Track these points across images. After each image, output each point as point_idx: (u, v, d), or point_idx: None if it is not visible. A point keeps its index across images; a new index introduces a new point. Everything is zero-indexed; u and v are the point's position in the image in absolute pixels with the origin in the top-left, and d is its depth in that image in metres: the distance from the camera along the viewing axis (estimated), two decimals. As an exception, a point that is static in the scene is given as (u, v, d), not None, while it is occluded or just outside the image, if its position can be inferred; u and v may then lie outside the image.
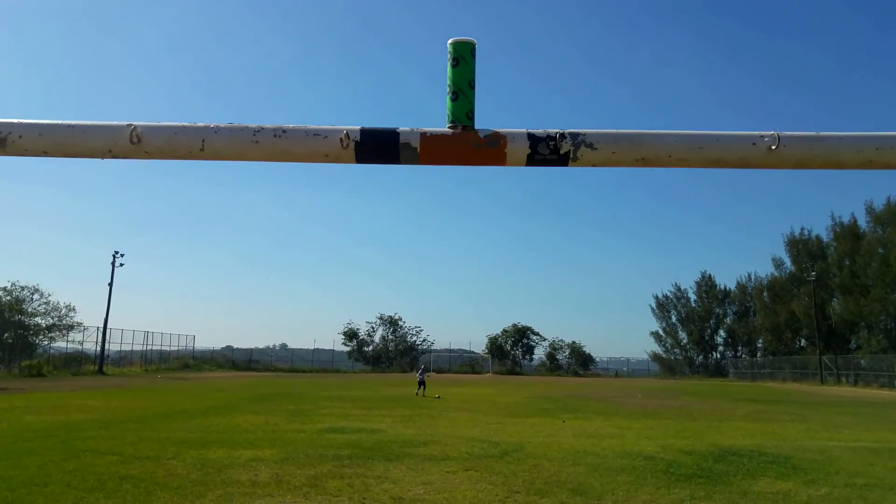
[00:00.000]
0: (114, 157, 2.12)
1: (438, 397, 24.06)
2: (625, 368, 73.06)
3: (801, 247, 62.39)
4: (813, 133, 2.00)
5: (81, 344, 45.87)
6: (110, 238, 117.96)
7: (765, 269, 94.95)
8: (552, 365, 67.18)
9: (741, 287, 71.13)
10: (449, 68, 2.06)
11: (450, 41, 2.09)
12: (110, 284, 46.58)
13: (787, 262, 64.38)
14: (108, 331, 46.26)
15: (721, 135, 2.01)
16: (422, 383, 26.30)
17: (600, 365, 70.33)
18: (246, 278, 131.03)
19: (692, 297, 73.63)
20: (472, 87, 2.06)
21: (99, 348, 45.73)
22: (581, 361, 67.72)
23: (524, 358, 68.16)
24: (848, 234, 57.01)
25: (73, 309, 46.11)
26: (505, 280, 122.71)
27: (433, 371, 61.07)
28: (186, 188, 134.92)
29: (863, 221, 56.68)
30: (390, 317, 67.81)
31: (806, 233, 62.94)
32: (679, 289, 74.25)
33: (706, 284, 73.03)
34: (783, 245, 65.21)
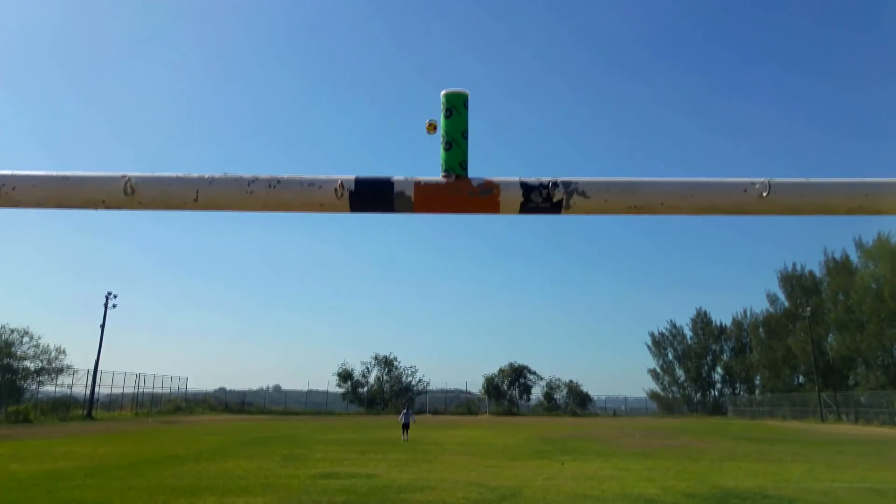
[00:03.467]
0: (107, 207, 2.12)
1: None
2: (622, 407, 72.29)
3: (795, 282, 62.58)
4: (803, 179, 2.02)
5: (70, 388, 45.00)
6: (101, 277, 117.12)
7: (759, 303, 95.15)
8: (549, 405, 66.46)
9: (737, 323, 71.03)
10: (442, 119, 2.09)
11: (443, 92, 2.12)
12: (102, 326, 45.85)
13: (782, 297, 64.49)
14: (98, 374, 45.48)
15: (713, 182, 2.03)
16: (406, 427, 24.09)
17: (598, 404, 69.56)
18: (239, 319, 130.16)
19: (688, 333, 73.46)
20: (465, 138, 2.08)
21: (88, 392, 44.77)
22: (578, 401, 67.04)
23: (521, 398, 67.42)
24: (841, 269, 57.27)
25: (64, 352, 45.36)
26: (500, 318, 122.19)
27: (429, 412, 60.19)
28: (179, 228, 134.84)
29: (854, 257, 57.03)
30: (385, 357, 67.18)
31: (799, 268, 63.21)
32: (675, 326, 74.11)
33: (702, 321, 72.92)
34: (777, 280, 65.40)
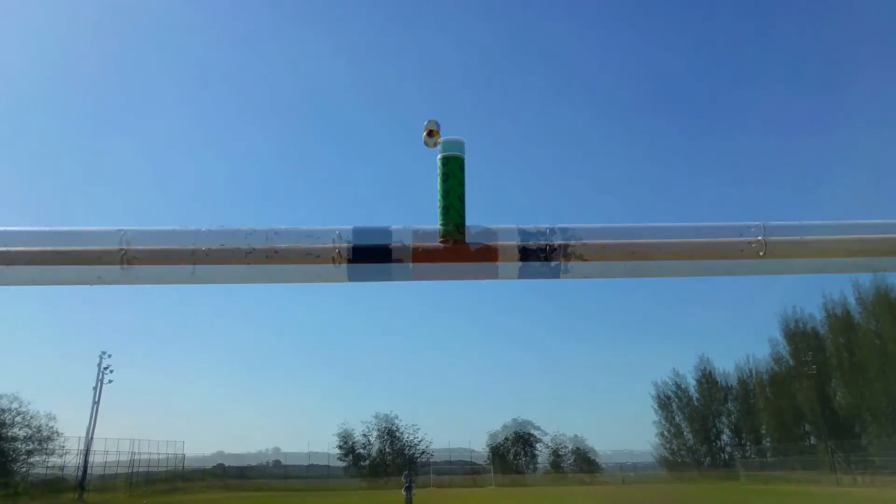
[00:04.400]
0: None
1: None
2: (631, 473, 70.52)
3: (800, 339, 62.53)
4: (797, 238, 2.02)
5: (62, 470, 43.34)
6: (91, 342, 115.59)
7: (761, 349, 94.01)
8: (556, 472, 65.09)
9: (742, 382, 70.35)
10: (439, 183, 2.10)
11: (439, 156, 2.14)
12: (96, 403, 44.44)
13: (784, 351, 64.33)
14: (91, 443, 43.64)
15: (711, 242, 2.03)
16: (409, 488, 23.52)
17: (605, 463, 68.25)
18: (236, 380, 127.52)
19: (693, 392, 72.65)
20: (462, 201, 2.09)
21: (80, 466, 42.67)
22: (586, 465, 65.66)
23: (528, 467, 65.97)
24: (843, 326, 57.41)
25: (54, 418, 43.36)
26: (502, 373, 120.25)
27: (433, 486, 58.52)
28: (172, 290, 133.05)
29: (855, 312, 57.18)
30: (387, 420, 65.72)
31: (801, 322, 63.07)
32: (679, 387, 73.24)
33: (706, 380, 72.22)
34: (778, 327, 65.21)
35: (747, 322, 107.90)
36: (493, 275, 2.04)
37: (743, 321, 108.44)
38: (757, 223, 2.04)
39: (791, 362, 62.96)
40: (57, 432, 42.85)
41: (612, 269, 2.03)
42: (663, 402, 73.43)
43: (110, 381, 45.45)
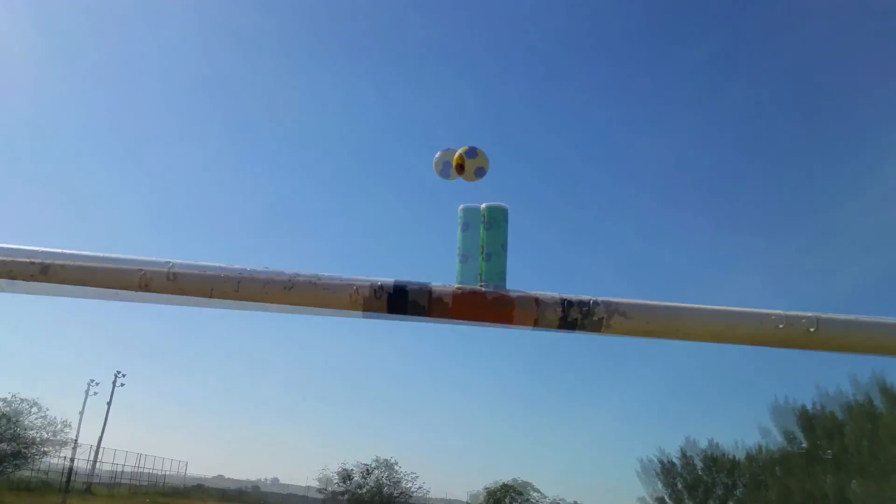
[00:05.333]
0: (148, 291, 2.14)
1: None
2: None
3: (816, 422, 60.63)
4: (852, 317, 1.97)
5: (74, 461, 44.65)
6: (106, 355, 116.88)
7: (751, 435, 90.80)
8: (553, 525, 63.23)
9: (751, 458, 67.97)
10: (482, 230, 2.11)
11: (483, 206, 2.15)
12: (108, 403, 46.11)
13: (800, 435, 62.11)
14: (100, 450, 45.24)
15: (758, 313, 1.99)
16: None
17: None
18: (241, 406, 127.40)
19: (698, 463, 70.44)
20: (505, 250, 2.09)
21: (89, 467, 44.47)
22: (584, 525, 63.77)
23: (524, 517, 64.21)
24: (864, 415, 55.58)
25: (69, 425, 45.38)
26: (500, 430, 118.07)
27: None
28: (180, 312, 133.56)
29: (878, 401, 55.34)
30: (386, 460, 64.99)
31: (819, 407, 61.17)
32: (686, 455, 71.02)
33: (713, 454, 69.99)
34: (768, 412, 63.04)
35: (758, 400, 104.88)
36: (534, 324, 2.02)
37: (754, 399, 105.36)
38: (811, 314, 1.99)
39: (805, 444, 61.00)
40: (72, 438, 44.07)
41: (654, 328, 2.01)
42: (667, 471, 71.39)
43: (122, 385, 46.88)
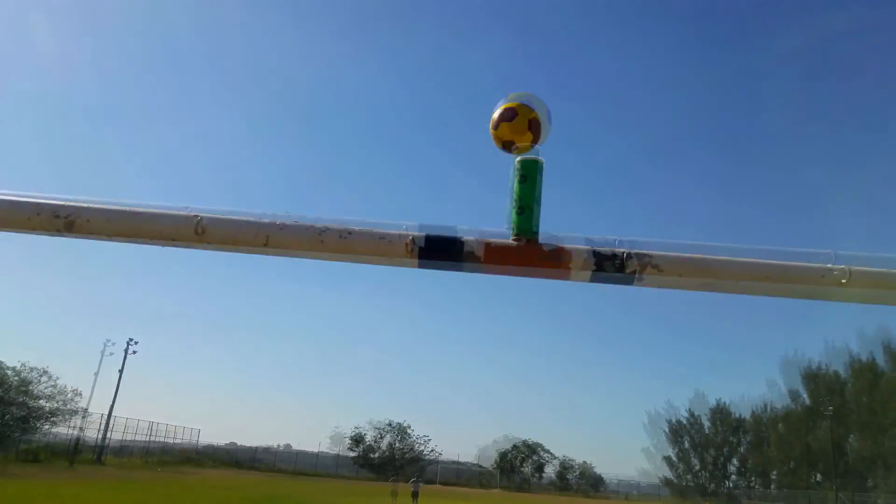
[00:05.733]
0: (176, 245, 2.14)
1: None
2: (635, 492, 69.77)
3: (819, 380, 61.66)
4: (884, 270, 1.96)
5: (83, 431, 44.69)
6: (118, 322, 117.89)
7: (758, 389, 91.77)
8: (562, 484, 64.58)
9: (756, 417, 69.19)
10: (516, 184, 2.09)
11: (517, 159, 2.13)
12: (120, 371, 45.77)
13: (803, 391, 63.27)
14: (112, 419, 45.32)
15: (790, 266, 1.98)
16: (415, 494, 24.25)
17: (611, 487, 67.41)
18: (255, 374, 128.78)
19: (705, 422, 71.72)
20: (539, 203, 2.08)
21: (100, 437, 44.38)
22: (591, 482, 65.09)
23: (534, 476, 65.53)
24: (866, 371, 56.46)
25: (80, 394, 45.25)
26: (515, 391, 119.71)
27: (440, 483, 58.43)
28: (196, 277, 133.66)
29: (881, 359, 56.11)
30: (399, 423, 66.02)
31: (823, 366, 62.08)
32: (693, 415, 72.32)
33: (720, 412, 71.25)
34: (777, 366, 64.35)
35: (767, 358, 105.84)
36: (566, 276, 2.02)
37: (762, 357, 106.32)
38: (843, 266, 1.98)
39: (808, 401, 62.16)
40: (83, 408, 44.04)
41: (687, 281, 1.99)
42: (675, 429, 72.76)
43: (134, 353, 46.73)
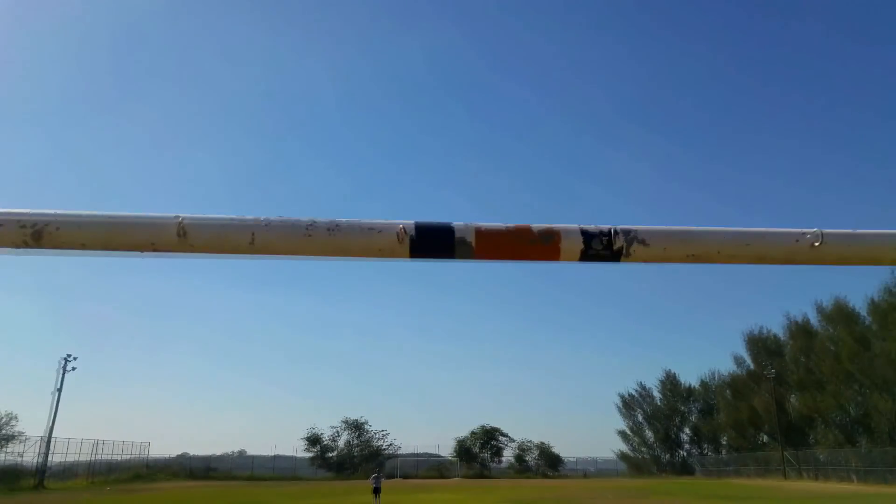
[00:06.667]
0: (156, 251, 2.05)
1: None
2: (592, 469, 71.65)
3: (760, 345, 64.33)
4: (855, 231, 2.08)
5: (21, 456, 42.14)
6: (51, 341, 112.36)
7: (723, 366, 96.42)
8: (521, 467, 65.62)
9: (704, 385, 71.91)
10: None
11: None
12: (59, 390, 43.33)
13: (748, 359, 65.93)
14: (52, 441, 42.79)
15: (766, 232, 2.09)
16: (377, 490, 24.21)
17: (569, 466, 68.98)
18: (203, 381, 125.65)
19: (657, 395, 74.01)
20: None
21: (39, 460, 41.84)
22: (550, 462, 66.39)
23: (492, 461, 66.40)
24: (802, 332, 59.16)
25: (15, 417, 42.81)
26: (470, 381, 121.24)
27: (400, 476, 58.43)
28: (136, 285, 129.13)
29: (815, 320, 58.86)
30: (356, 420, 65.54)
31: (764, 331, 64.92)
32: (644, 387, 74.58)
33: (670, 383, 73.63)
34: (742, 343, 67.09)
35: (713, 329, 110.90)
36: (556, 257, 2.05)
37: (709, 328, 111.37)
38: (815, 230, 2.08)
39: (752, 366, 64.73)
40: (19, 432, 41.74)
41: (672, 253, 2.06)
42: (627, 403, 74.82)
43: (73, 369, 44.37)
